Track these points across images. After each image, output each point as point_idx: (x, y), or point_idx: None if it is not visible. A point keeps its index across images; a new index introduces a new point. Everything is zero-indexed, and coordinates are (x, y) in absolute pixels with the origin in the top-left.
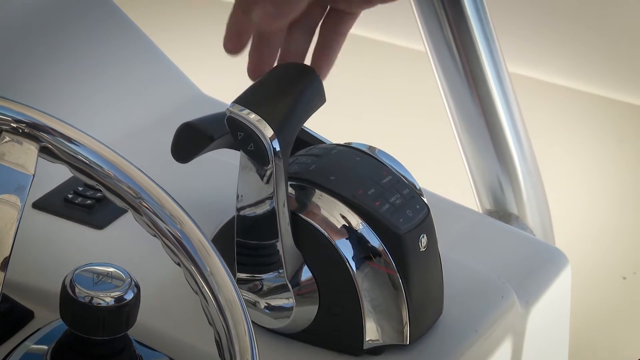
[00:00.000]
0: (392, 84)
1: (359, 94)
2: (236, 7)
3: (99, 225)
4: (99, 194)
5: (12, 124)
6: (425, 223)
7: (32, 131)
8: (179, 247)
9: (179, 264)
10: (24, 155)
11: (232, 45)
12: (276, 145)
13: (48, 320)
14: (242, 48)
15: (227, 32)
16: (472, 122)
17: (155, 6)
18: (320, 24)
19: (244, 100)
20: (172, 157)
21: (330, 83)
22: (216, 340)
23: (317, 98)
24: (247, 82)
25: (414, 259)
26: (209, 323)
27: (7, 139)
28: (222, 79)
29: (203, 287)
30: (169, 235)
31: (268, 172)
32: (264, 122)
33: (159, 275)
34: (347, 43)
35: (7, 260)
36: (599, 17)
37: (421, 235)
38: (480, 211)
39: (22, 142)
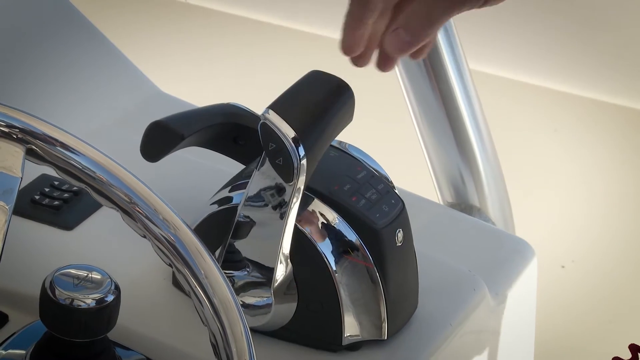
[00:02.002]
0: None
1: None
2: (354, 14)
3: (68, 226)
4: (66, 195)
5: None
6: (400, 218)
7: (18, 133)
8: (173, 251)
9: (170, 265)
10: (11, 157)
11: (351, 51)
12: (304, 166)
13: (22, 323)
14: (360, 51)
15: (345, 36)
16: (433, 115)
17: (110, 6)
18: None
19: (280, 109)
20: (137, 156)
21: (291, 81)
22: (211, 342)
23: (347, 117)
24: (202, 80)
25: (391, 254)
26: (204, 324)
27: None
28: (179, 76)
29: (197, 289)
30: (162, 239)
31: (288, 189)
32: (299, 141)
33: (131, 275)
34: (306, 42)
35: None
36: (598, 22)
37: (397, 230)
38: (442, 204)
39: (7, 144)
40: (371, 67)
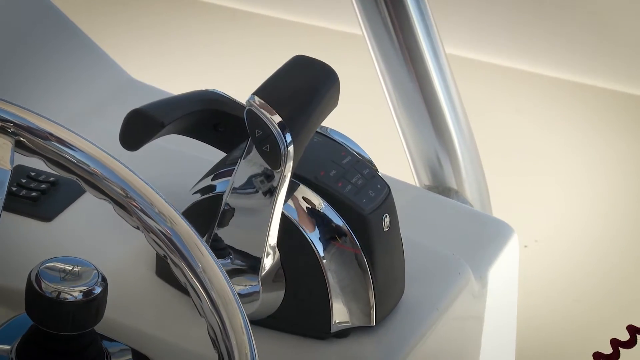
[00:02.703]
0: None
1: None
2: None
3: (47, 217)
4: (43, 186)
5: None
6: (387, 203)
7: (6, 125)
8: (170, 245)
9: (165, 257)
10: (0, 150)
11: None
12: (291, 153)
13: (4, 317)
14: None
15: None
16: (409, 97)
17: None
18: None
19: (266, 95)
20: (112, 145)
21: (266, 67)
22: (210, 335)
23: (333, 102)
24: (181, 67)
25: (378, 239)
26: (201, 317)
27: None
28: (150, 63)
29: (194, 283)
30: (158, 233)
31: (276, 175)
32: (286, 127)
33: (113, 265)
34: (279, 28)
35: None
36: (596, 10)
37: (384, 215)
38: (419, 187)
39: None
40: (347, 51)
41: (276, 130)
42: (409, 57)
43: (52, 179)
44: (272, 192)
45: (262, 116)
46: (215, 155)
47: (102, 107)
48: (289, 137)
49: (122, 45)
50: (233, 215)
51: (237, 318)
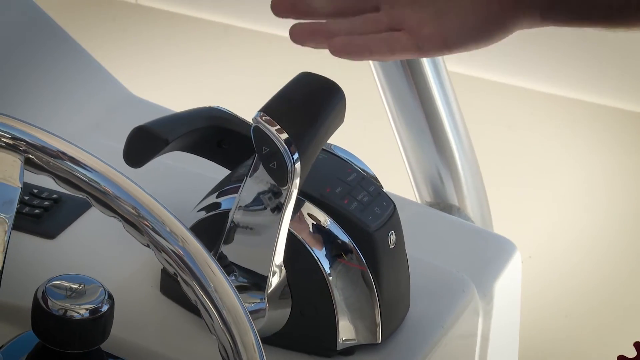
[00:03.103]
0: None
1: None
2: None
3: (50, 235)
4: (46, 203)
5: None
6: (392, 220)
7: (16, 143)
8: (182, 264)
9: (175, 276)
10: (9, 168)
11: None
12: (298, 170)
13: (9, 335)
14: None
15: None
16: (411, 114)
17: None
18: None
19: (273, 112)
20: (115, 161)
21: (269, 84)
22: (221, 354)
23: (339, 119)
24: (176, 83)
25: (384, 256)
26: (212, 334)
27: None
28: (150, 80)
29: (206, 302)
30: (170, 252)
31: (283, 192)
32: (293, 144)
33: (118, 282)
34: (284, 47)
35: (0, 276)
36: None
37: (390, 232)
38: (421, 203)
39: (6, 154)
40: (347, 67)
41: (283, 147)
42: (411, 74)
43: (55, 196)
44: (279, 209)
45: (269, 133)
46: (218, 172)
47: (102, 123)
48: (296, 154)
49: (115, 61)
50: (239, 232)
51: (249, 336)
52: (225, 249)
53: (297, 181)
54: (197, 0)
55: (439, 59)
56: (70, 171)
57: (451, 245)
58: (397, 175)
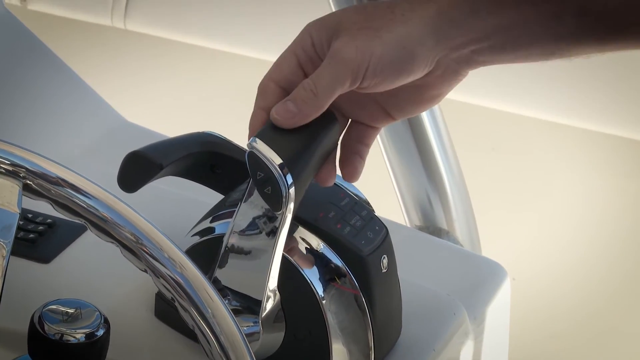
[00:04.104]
0: None
1: None
2: (256, 104)
3: (45, 259)
4: (40, 227)
5: None
6: (385, 244)
7: (13, 169)
8: (180, 290)
9: (173, 301)
10: (8, 193)
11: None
12: (292, 194)
13: (6, 358)
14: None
15: (251, 128)
16: (401, 140)
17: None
18: (342, 135)
19: (267, 137)
20: (109, 186)
21: (249, 107)
22: None
23: (332, 145)
24: (165, 107)
25: (377, 280)
26: (209, 359)
27: None
28: (139, 104)
29: (203, 327)
30: (169, 278)
31: (277, 217)
32: (287, 170)
33: (113, 307)
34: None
35: None
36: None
37: (382, 257)
38: (410, 227)
39: (4, 180)
40: None
41: (277, 172)
42: None
43: (49, 220)
44: (273, 234)
45: (263, 158)
46: (211, 197)
47: (95, 149)
48: (290, 179)
49: (104, 85)
50: (233, 257)
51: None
52: (219, 273)
53: (291, 206)
54: (185, 26)
55: None
56: (70, 197)
57: (441, 269)
58: (387, 200)
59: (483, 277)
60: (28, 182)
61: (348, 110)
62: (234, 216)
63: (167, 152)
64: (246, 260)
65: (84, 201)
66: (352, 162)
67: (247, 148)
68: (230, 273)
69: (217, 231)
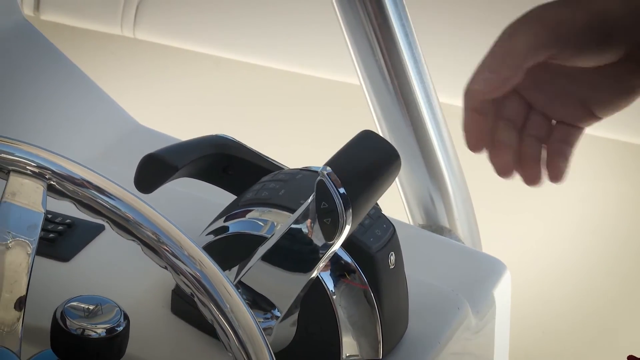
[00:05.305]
0: (320, 106)
1: (288, 122)
2: (466, 107)
3: (65, 258)
4: (60, 227)
5: (19, 164)
6: (392, 241)
7: (39, 170)
8: (199, 287)
9: (192, 296)
10: (33, 194)
11: (475, 144)
12: (347, 231)
13: (27, 354)
14: (485, 144)
15: (466, 133)
16: (404, 142)
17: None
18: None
19: (337, 168)
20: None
21: (251, 113)
22: None
23: (390, 182)
24: (177, 115)
25: (385, 276)
26: (228, 352)
27: (16, 178)
28: (156, 110)
29: (222, 322)
30: (188, 275)
31: (325, 246)
32: (350, 210)
33: (130, 303)
34: (286, 79)
35: (24, 298)
36: None
37: (390, 253)
38: (414, 226)
39: (30, 181)
40: (342, 97)
41: (342, 210)
42: (405, 104)
43: (68, 220)
44: (315, 257)
45: (332, 192)
46: (223, 197)
47: (110, 152)
48: (350, 215)
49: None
50: (267, 265)
51: (264, 354)
52: (249, 273)
53: (342, 240)
54: (191, 35)
55: (431, 88)
56: (94, 198)
57: (444, 265)
58: (392, 200)
59: (484, 272)
60: (52, 182)
61: (550, 110)
62: (280, 229)
63: (182, 155)
64: (280, 271)
65: (107, 202)
66: (557, 164)
67: (318, 175)
68: (259, 277)
69: (231, 230)
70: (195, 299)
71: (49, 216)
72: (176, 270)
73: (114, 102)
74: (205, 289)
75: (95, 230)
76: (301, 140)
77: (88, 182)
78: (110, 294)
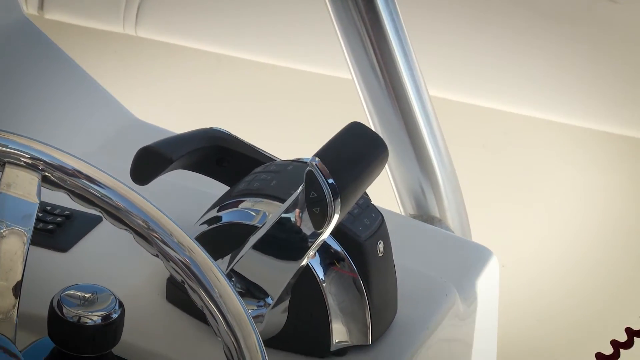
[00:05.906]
0: (309, 100)
1: (286, 117)
2: None
3: (63, 248)
4: (59, 219)
5: (14, 156)
6: (381, 230)
7: (33, 162)
8: (189, 273)
9: (182, 283)
10: (28, 185)
11: None
12: (335, 220)
13: (26, 341)
14: None
15: None
16: (395, 134)
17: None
18: None
19: (327, 161)
20: (121, 179)
21: (258, 108)
22: (225, 354)
23: (378, 172)
24: (177, 111)
25: (373, 264)
26: (217, 337)
27: (11, 170)
28: (159, 107)
29: (211, 307)
30: (178, 261)
31: (314, 234)
32: (339, 199)
33: (126, 292)
34: (285, 76)
35: (20, 285)
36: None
37: (378, 242)
38: (405, 215)
39: (24, 172)
40: (335, 89)
41: (330, 200)
42: (395, 97)
43: (66, 212)
44: (304, 245)
45: (321, 182)
46: (217, 188)
47: (109, 145)
48: (338, 205)
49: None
50: (258, 253)
51: (252, 338)
52: (240, 261)
53: (330, 228)
54: (192, 33)
55: (421, 82)
56: (86, 188)
57: (434, 254)
58: (383, 190)
59: (473, 260)
60: (46, 174)
61: None
62: (271, 218)
63: (177, 147)
64: (271, 260)
65: (99, 191)
66: None
67: (307, 166)
68: (251, 265)
69: (224, 220)
70: (186, 286)
71: (48, 208)
72: (166, 257)
73: (112, 96)
74: (195, 275)
75: (93, 222)
76: (297, 133)
77: (80, 172)
78: (107, 283)
